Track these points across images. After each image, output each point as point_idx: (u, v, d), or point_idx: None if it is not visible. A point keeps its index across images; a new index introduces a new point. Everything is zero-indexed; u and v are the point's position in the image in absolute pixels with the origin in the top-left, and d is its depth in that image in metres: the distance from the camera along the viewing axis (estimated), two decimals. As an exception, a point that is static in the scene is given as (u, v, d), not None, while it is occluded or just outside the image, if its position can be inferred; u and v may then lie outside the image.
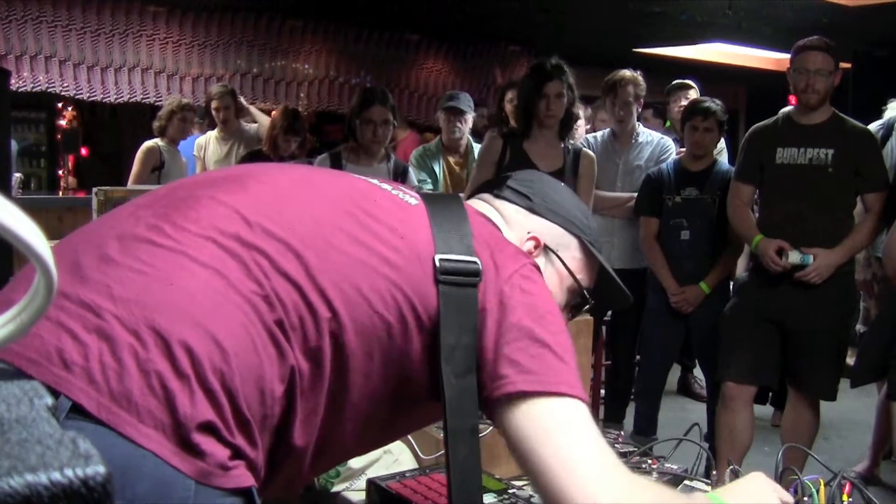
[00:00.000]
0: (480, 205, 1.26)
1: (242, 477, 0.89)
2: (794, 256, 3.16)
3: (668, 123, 5.13)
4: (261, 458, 0.94)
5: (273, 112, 5.07)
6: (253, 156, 4.79)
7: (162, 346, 0.87)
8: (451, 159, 4.57)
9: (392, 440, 1.44)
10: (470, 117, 4.56)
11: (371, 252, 1.01)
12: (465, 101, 4.54)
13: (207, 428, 0.87)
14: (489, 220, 1.19)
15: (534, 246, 1.21)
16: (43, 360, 0.85)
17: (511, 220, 1.23)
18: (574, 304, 1.30)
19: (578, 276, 1.25)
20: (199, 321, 0.89)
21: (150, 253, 0.95)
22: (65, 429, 0.47)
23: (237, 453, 0.90)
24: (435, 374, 1.02)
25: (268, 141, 4.72)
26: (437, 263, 1.03)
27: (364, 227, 1.03)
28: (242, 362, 0.90)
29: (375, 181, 1.16)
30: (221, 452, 0.87)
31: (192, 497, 0.84)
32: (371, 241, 1.02)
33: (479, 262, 1.04)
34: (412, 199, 1.13)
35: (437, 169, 4.46)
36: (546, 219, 1.24)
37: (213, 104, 5.32)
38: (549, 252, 1.23)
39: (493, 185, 1.30)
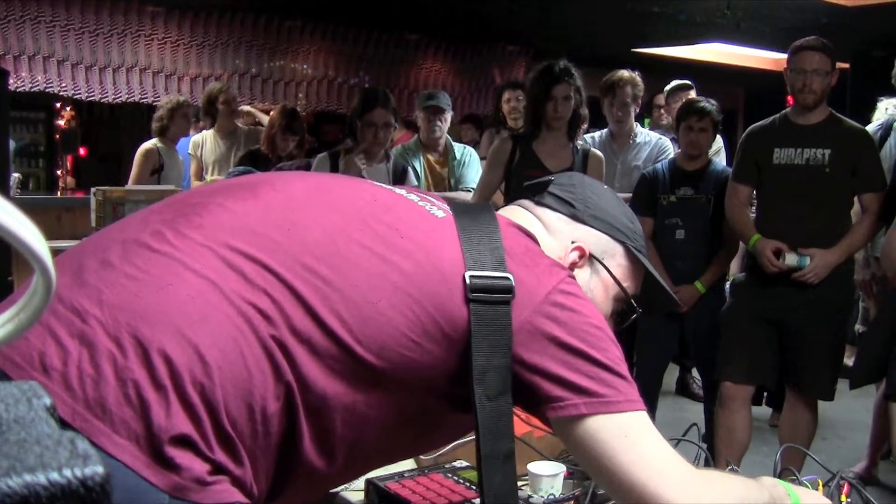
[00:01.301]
0: (520, 213, 1.21)
1: (224, 493, 0.86)
2: (791, 258, 3.16)
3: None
4: (249, 476, 0.90)
5: (271, 112, 5.06)
6: (251, 155, 4.79)
7: (141, 354, 0.84)
8: (431, 157, 4.57)
9: (427, 451, 1.42)
10: (448, 115, 4.57)
11: (391, 267, 0.96)
12: (444, 100, 4.55)
13: (183, 441, 0.84)
14: (524, 230, 1.11)
15: (578, 256, 1.17)
16: (25, 364, 0.83)
17: (553, 229, 1.18)
18: (620, 313, 1.25)
19: (625, 285, 1.20)
20: (183, 331, 0.86)
21: (145, 259, 0.92)
22: None
23: (218, 469, 0.86)
24: (465, 391, 0.97)
25: (266, 140, 4.73)
26: (468, 280, 0.97)
27: (383, 241, 0.98)
28: (227, 376, 0.87)
29: (402, 191, 1.11)
30: (199, 467, 0.84)
31: None
32: (391, 256, 0.97)
33: (511, 277, 0.99)
34: (440, 211, 1.07)
35: (417, 167, 4.46)
36: (590, 226, 1.19)
37: (221, 98, 5.25)
38: (594, 261, 1.18)
39: (534, 191, 1.23)
